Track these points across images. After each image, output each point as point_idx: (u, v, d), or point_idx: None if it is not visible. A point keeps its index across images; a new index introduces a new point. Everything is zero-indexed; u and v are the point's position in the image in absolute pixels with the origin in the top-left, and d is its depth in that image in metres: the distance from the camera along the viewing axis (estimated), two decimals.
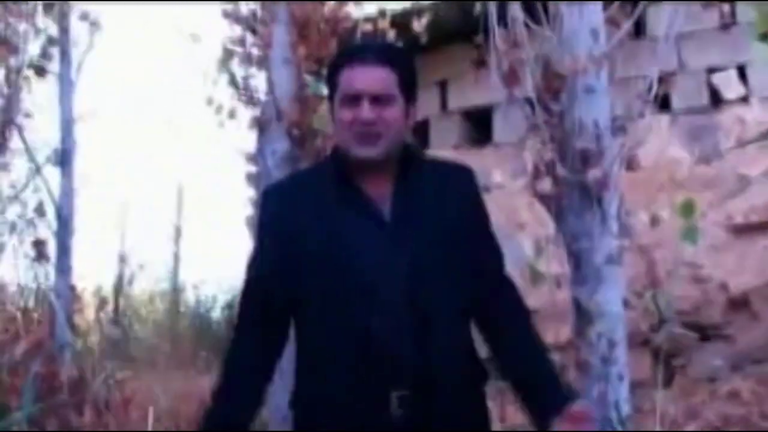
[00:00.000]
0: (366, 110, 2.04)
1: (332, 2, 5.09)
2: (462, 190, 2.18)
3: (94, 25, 6.04)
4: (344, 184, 2.09)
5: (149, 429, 5.09)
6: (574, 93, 3.47)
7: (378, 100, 2.05)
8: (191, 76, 6.05)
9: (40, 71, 6.03)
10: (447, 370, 2.03)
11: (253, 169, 5.15)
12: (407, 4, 6.42)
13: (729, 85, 6.80)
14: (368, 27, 5.42)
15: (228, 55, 5.09)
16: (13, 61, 5.92)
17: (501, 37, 3.61)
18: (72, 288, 5.91)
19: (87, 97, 6.23)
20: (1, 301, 6.18)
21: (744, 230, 6.42)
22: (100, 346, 7.22)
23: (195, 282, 12.12)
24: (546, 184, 3.55)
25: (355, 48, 2.53)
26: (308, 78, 5.03)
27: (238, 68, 5.09)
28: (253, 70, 5.10)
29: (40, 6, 5.97)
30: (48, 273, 5.91)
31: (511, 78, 3.59)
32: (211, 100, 5.19)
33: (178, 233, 12.95)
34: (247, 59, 5.08)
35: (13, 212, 6.10)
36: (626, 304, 3.81)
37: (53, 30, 6.01)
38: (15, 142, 6.04)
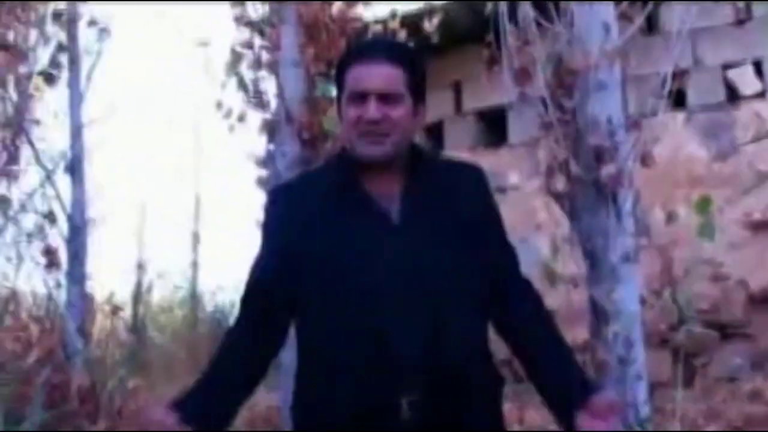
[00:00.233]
0: (372, 109, 1.99)
1: (340, 2, 5.06)
2: (472, 189, 2.12)
3: (104, 31, 6.02)
4: (350, 185, 2.04)
5: None
6: (587, 89, 3.46)
7: (385, 98, 2.00)
8: (200, 79, 6.05)
9: (50, 79, 6.02)
10: (460, 373, 1.97)
11: (264, 173, 5.12)
12: (418, 5, 6.37)
13: (745, 81, 6.76)
14: (379, 28, 5.39)
15: (237, 58, 5.06)
16: (22, 69, 5.92)
17: (512, 35, 3.59)
18: (85, 296, 5.89)
19: (97, 103, 6.18)
20: (14, 309, 6.17)
21: (762, 227, 6.36)
22: (113, 354, 7.20)
23: (212, 288, 12.13)
24: (560, 183, 3.52)
25: (364, 46, 2.47)
26: (318, 80, 4.99)
27: (247, 71, 5.06)
28: (263, 72, 5.07)
29: (49, 13, 5.96)
30: (59, 281, 5.89)
31: (523, 76, 3.57)
32: (220, 103, 5.17)
33: (196, 240, 12.94)
34: (256, 62, 5.05)
35: (24, 220, 6.09)
36: (644, 303, 3.77)
37: (62, 37, 5.99)
38: (25, 149, 6.04)
